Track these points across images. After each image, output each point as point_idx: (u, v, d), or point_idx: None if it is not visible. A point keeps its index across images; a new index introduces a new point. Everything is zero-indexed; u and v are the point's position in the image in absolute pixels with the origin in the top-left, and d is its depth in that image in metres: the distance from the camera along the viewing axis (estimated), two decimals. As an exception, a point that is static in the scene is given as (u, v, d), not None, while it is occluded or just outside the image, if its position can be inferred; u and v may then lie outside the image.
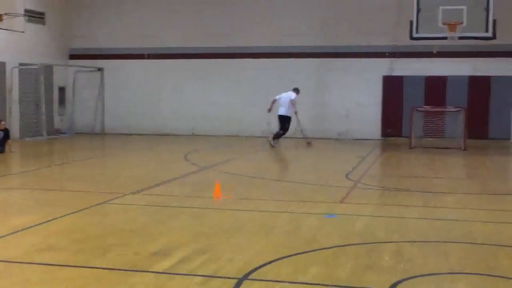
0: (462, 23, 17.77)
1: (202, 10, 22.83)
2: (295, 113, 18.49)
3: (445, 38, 18.22)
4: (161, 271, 5.81)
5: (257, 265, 5.97)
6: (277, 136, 18.62)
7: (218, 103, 22.84)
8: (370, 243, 6.96)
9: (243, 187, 10.99)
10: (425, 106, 19.85)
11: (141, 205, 9.27)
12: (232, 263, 6.08)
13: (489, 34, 17.85)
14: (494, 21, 17.76)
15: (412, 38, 18.33)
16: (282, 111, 18.52)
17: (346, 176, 12.47)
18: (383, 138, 21.52)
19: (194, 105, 23.05)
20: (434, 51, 20.46)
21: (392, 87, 21.45)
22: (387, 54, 21.53)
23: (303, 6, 22.07)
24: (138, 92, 23.54)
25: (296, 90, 18.78)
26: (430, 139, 19.59)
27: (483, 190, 11.24)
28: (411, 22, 18.16)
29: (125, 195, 9.92)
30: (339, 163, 15.50)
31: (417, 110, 19.30)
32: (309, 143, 18.92)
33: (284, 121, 18.55)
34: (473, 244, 7.03)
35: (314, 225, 7.89)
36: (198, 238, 7.11)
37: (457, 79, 20.91)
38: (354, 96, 21.77)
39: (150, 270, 5.84)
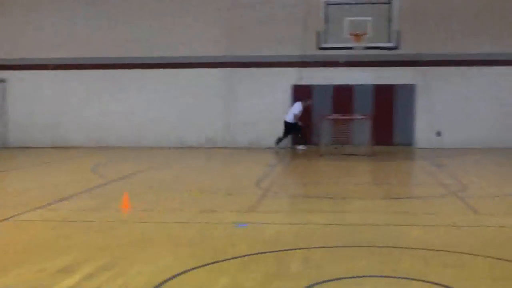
0: (367, 34, 18.29)
1: (114, 20, 22.45)
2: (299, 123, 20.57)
3: (351, 48, 18.71)
4: (64, 288, 5.62)
5: (165, 278, 5.87)
6: (278, 140, 20.61)
7: (129, 113, 22.50)
8: (279, 250, 7.00)
9: (152, 199, 10.83)
10: (334, 115, 20.27)
11: (45, 221, 8.94)
12: (139, 277, 5.95)
13: (393, 44, 18.47)
14: (397, 32, 18.39)
15: (319, 48, 18.70)
16: (287, 117, 20.58)
17: (256, 184, 12.53)
18: (293, 146, 21.79)
19: (103, 116, 22.61)
20: (341, 61, 20.99)
21: (301, 96, 21.76)
22: (295, 63, 21.85)
23: (213, 16, 22.09)
24: (44, 104, 22.85)
25: (304, 102, 20.66)
26: (338, 146, 19.99)
27: (387, 195, 11.56)
28: (319, 33, 18.54)
29: (28, 210, 9.56)
30: (249, 171, 15.57)
31: (326, 118, 19.68)
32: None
33: (286, 127, 20.54)
34: (378, 247, 7.20)
35: (224, 235, 7.86)
36: (104, 252, 6.93)
37: (363, 87, 21.49)
38: (263, 105, 21.96)
39: None
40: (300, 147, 20.82)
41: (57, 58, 22.62)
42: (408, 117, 21.46)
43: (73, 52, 22.55)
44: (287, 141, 21.11)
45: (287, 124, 20.56)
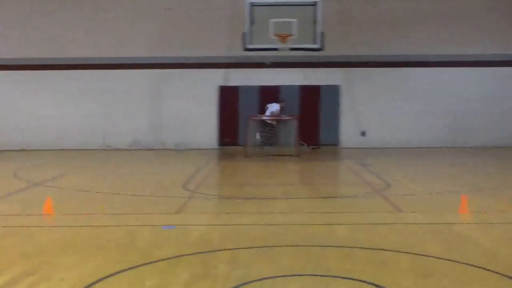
0: (292, 35, 18.44)
1: (30, 19, 21.82)
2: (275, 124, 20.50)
3: (276, 49, 18.82)
4: (-17, 296, 5.42)
5: (89, 283, 5.75)
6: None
7: (53, 115, 21.91)
8: (206, 252, 6.96)
9: (77, 202, 10.59)
10: (260, 115, 20.37)
11: (-37, 227, 8.60)
12: (62, 283, 5.80)
13: (318, 45, 18.68)
14: (322, 34, 18.63)
15: (245, 49, 18.73)
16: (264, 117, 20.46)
17: (183, 186, 12.44)
18: (220, 147, 21.78)
19: (24, 119, 21.94)
20: (267, 62, 21.10)
21: (228, 97, 21.79)
22: (222, 65, 21.82)
23: (139, 17, 21.82)
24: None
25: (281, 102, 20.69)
26: (265, 147, 20.13)
27: (314, 194, 11.70)
28: (244, 34, 18.57)
29: None
30: (176, 173, 15.43)
31: (252, 119, 19.75)
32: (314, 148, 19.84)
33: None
34: (305, 246, 7.26)
35: (150, 238, 7.76)
36: (26, 258, 6.72)
37: (290, 88, 21.68)
38: (190, 106, 21.85)
39: (-29, 296, 5.42)
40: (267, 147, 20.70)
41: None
42: (333, 117, 21.78)
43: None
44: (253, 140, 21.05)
45: (265, 124, 20.63)
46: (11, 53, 21.85)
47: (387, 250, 7.05)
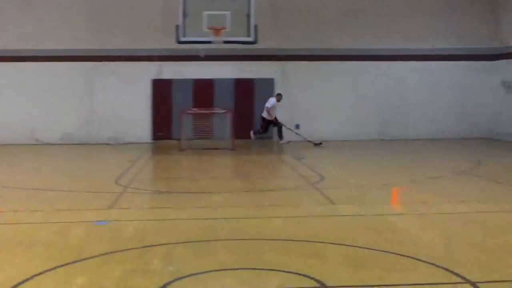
0: (226, 28, 18.39)
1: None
2: (275, 118, 20.47)
3: (210, 42, 18.74)
4: None
5: (17, 282, 5.56)
6: (257, 132, 20.79)
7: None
8: (140, 247, 6.85)
9: (3, 200, 10.26)
10: (194, 109, 20.24)
11: None
12: (-11, 282, 5.60)
13: (251, 39, 18.70)
14: (255, 27, 18.65)
15: (178, 42, 18.57)
16: (263, 113, 20.55)
17: (116, 181, 12.22)
18: (153, 141, 21.54)
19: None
20: (201, 55, 20.95)
21: (162, 90, 21.57)
22: (155, 57, 21.57)
23: (70, 9, 21.29)
24: None
25: (277, 96, 20.63)
26: (200, 140, 20.00)
27: (249, 188, 11.70)
28: (177, 26, 18.40)
29: None
30: (108, 168, 15.18)
31: (186, 112, 19.60)
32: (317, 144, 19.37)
33: (262, 121, 20.66)
34: (241, 240, 7.25)
35: (82, 234, 7.59)
36: (-50, 257, 6.46)
37: (224, 82, 21.63)
38: (123, 100, 21.49)
39: None
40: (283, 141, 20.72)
41: None
42: (268, 111, 21.85)
43: None
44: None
45: (263, 119, 20.57)
46: None
47: (320, 242, 7.11)
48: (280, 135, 20.81)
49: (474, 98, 22.32)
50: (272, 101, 20.52)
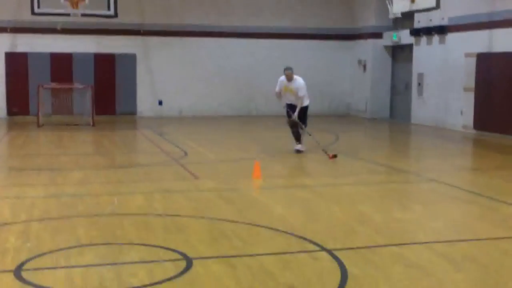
0: (84, 1, 17.86)
1: None
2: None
3: (68, 14, 18.13)
4: None
5: None
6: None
7: None
8: (-6, 226, 6.60)
9: None
10: (52, 83, 19.52)
11: None
12: None
13: (111, 12, 18.31)
14: (115, 0, 18.26)
15: (33, 13, 17.81)
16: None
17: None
18: (9, 116, 20.57)
19: None
20: (58, 28, 20.20)
21: (16, 64, 20.58)
22: (8, 29, 20.51)
23: None
24: None
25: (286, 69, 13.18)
26: (59, 116, 19.35)
27: (110, 164, 11.53)
28: (32, -3, 17.65)
29: None
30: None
31: (43, 87, 18.86)
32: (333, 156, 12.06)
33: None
34: (100, 216, 7.17)
35: None
36: None
37: (83, 56, 20.99)
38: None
39: None
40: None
41: None
42: (130, 86, 21.53)
43: None
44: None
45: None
46: None
47: (183, 216, 7.18)
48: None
49: (332, 76, 23.21)
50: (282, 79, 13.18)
